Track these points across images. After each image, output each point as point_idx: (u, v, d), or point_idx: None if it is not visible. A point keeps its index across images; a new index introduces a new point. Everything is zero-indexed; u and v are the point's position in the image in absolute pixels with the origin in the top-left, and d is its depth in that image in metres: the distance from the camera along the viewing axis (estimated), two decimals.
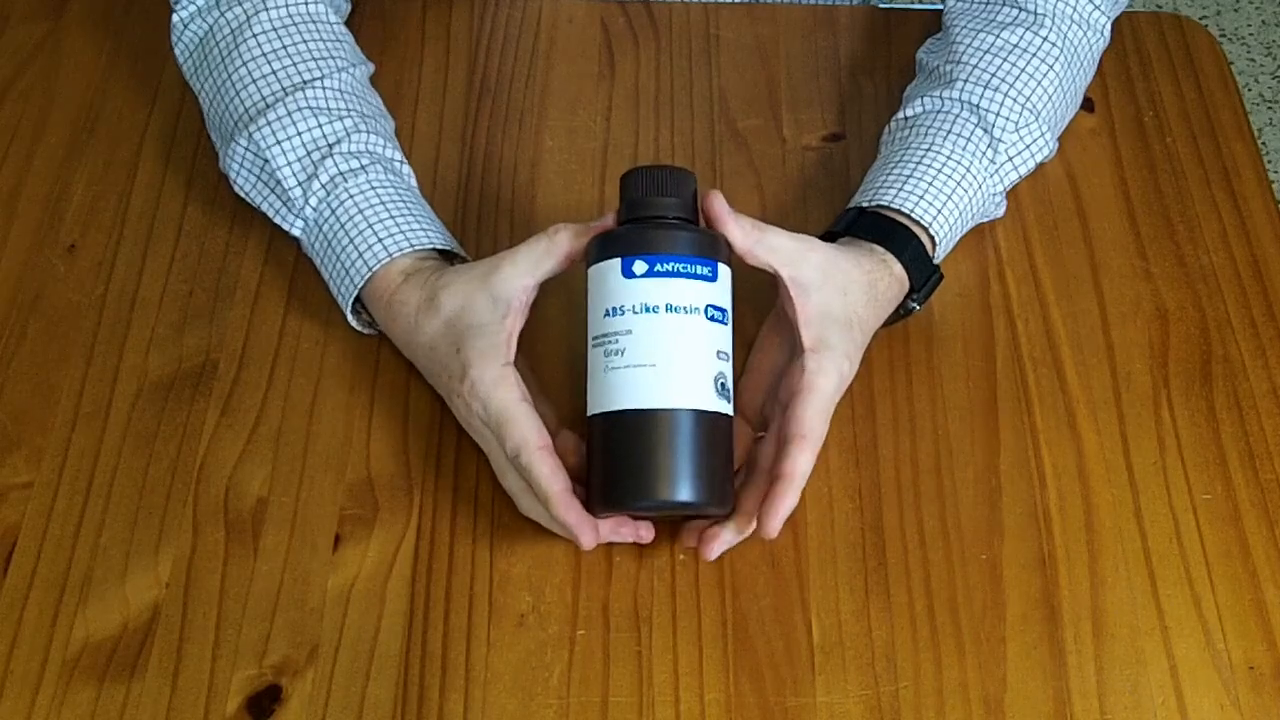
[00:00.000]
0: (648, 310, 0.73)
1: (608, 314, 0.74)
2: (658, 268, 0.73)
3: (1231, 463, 0.82)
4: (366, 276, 0.82)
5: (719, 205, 0.76)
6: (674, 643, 0.75)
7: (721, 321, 0.74)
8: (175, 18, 0.92)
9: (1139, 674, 0.74)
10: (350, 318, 0.84)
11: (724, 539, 0.75)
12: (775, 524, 0.73)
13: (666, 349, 0.72)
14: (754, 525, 0.75)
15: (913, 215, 0.84)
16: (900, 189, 0.85)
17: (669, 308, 0.73)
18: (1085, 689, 0.73)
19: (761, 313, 0.84)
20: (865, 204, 0.85)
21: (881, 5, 1.07)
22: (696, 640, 0.75)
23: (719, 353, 0.74)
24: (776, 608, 0.76)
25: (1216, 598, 0.77)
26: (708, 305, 0.73)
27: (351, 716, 0.72)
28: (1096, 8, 0.92)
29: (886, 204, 0.84)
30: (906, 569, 0.77)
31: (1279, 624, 0.76)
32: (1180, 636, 0.75)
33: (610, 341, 0.73)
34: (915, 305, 0.85)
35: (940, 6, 0.99)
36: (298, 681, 0.73)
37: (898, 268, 0.82)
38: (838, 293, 0.78)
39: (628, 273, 0.73)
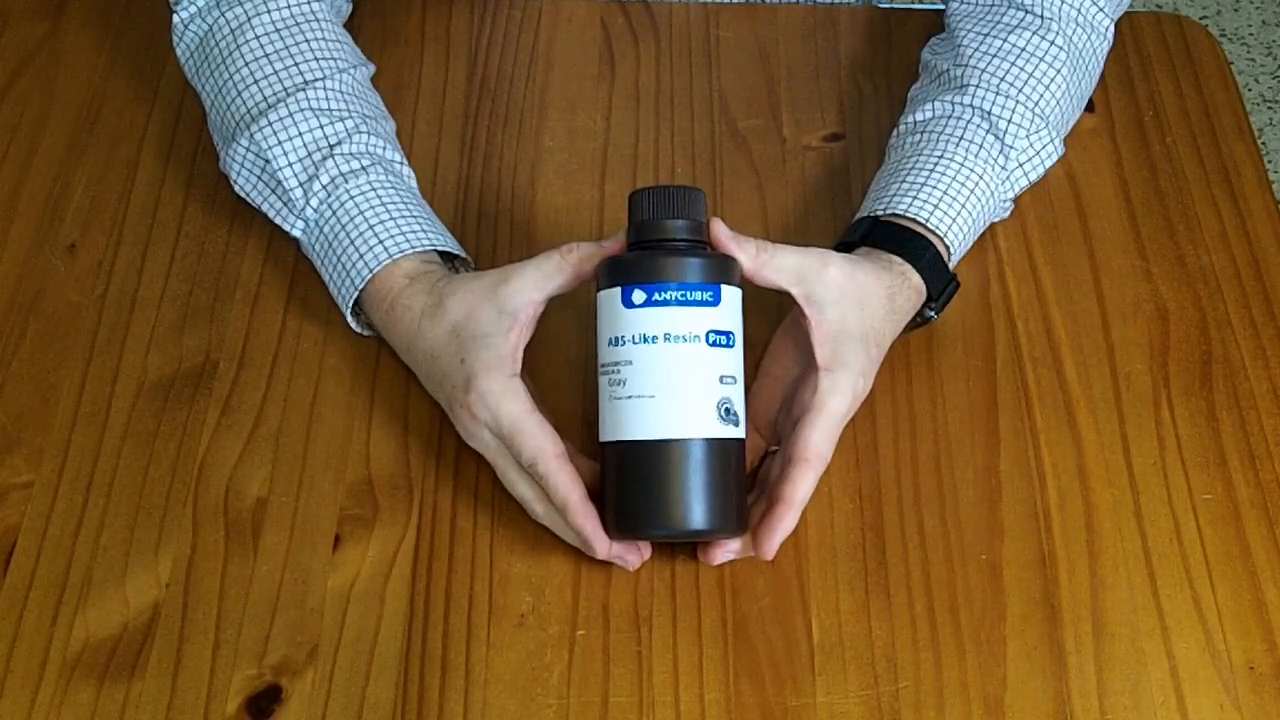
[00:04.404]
0: (646, 340, 0.73)
1: (610, 343, 0.74)
2: (656, 297, 0.73)
3: (1231, 463, 0.82)
4: (367, 278, 0.82)
5: (721, 232, 0.75)
6: (674, 643, 0.75)
7: (726, 345, 0.73)
8: (176, 18, 0.91)
9: (1139, 674, 0.74)
10: (350, 319, 0.84)
11: (729, 548, 0.75)
12: (771, 547, 0.74)
13: (666, 380, 0.72)
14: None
15: (928, 224, 0.83)
16: (915, 197, 0.84)
17: (668, 337, 0.72)
18: (1085, 689, 0.73)
19: (771, 319, 0.84)
20: (880, 212, 0.85)
21: (882, 5, 1.07)
22: (696, 640, 0.75)
23: (723, 378, 0.73)
24: (776, 608, 0.76)
25: (1216, 598, 0.77)
26: (709, 331, 0.73)
27: (351, 717, 0.72)
28: (1100, 9, 0.92)
29: (901, 212, 0.84)
30: (906, 569, 0.77)
31: (1279, 624, 0.76)
32: (1180, 636, 0.75)
33: (614, 371, 0.73)
34: (933, 314, 0.85)
35: (941, 6, 0.99)
36: (298, 681, 0.73)
37: (916, 278, 0.82)
38: (855, 306, 0.77)
39: (627, 302, 0.73)
